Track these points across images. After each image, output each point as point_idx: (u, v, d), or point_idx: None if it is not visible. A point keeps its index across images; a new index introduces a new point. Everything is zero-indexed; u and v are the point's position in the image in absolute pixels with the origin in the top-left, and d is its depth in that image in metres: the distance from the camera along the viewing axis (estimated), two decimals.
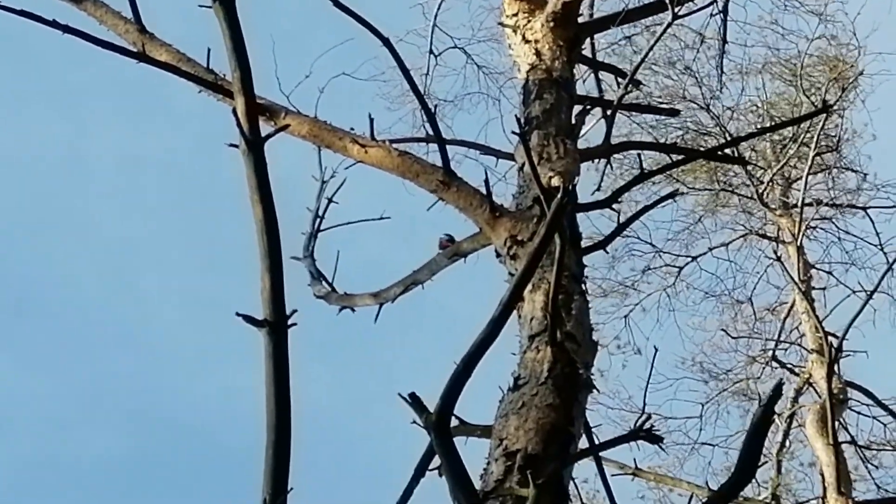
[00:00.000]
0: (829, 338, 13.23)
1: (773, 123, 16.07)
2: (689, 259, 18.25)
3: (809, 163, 15.78)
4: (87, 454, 22.08)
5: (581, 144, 7.93)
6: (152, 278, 22.12)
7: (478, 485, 4.85)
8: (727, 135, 15.64)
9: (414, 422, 4.62)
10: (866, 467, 16.07)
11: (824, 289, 17.52)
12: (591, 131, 9.75)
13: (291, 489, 3.73)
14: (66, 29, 7.11)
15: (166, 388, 21.54)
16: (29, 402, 22.56)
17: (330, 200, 8.16)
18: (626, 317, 17.49)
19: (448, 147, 7.19)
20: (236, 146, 4.05)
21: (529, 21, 8.50)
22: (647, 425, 5.20)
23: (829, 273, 17.75)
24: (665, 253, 18.11)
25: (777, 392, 4.30)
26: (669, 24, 8.57)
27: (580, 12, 8.71)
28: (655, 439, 5.20)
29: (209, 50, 7.53)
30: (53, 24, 7.05)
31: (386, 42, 7.30)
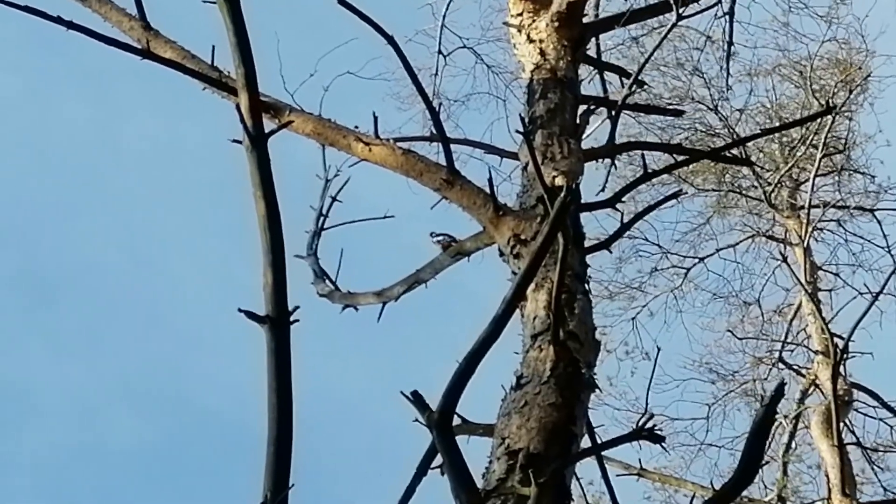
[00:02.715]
0: (836, 339, 13.21)
1: (779, 124, 16.04)
2: (697, 260, 18.23)
3: (817, 165, 15.77)
4: (117, 441, 22.18)
5: (585, 144, 7.92)
6: (184, 265, 22.18)
7: (479, 483, 4.84)
8: (734, 136, 15.61)
9: (416, 420, 4.62)
10: (872, 469, 16.05)
11: (831, 290, 17.51)
12: (596, 131, 9.75)
13: (293, 486, 3.73)
14: (71, 25, 7.13)
15: (197, 375, 21.59)
16: (60, 389, 22.67)
17: (334, 199, 8.15)
18: (633, 319, 17.48)
19: (452, 146, 7.19)
20: (240, 142, 4.05)
21: (534, 21, 8.49)
22: (649, 425, 5.19)
23: (836, 275, 17.74)
24: (672, 254, 18.10)
25: (779, 392, 4.29)
26: (674, 25, 8.57)
27: (585, 12, 8.71)
28: (657, 439, 5.18)
29: (214, 47, 7.55)
30: (58, 20, 7.06)
31: (391, 41, 7.30)
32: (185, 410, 21.63)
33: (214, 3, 4.07)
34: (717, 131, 17.10)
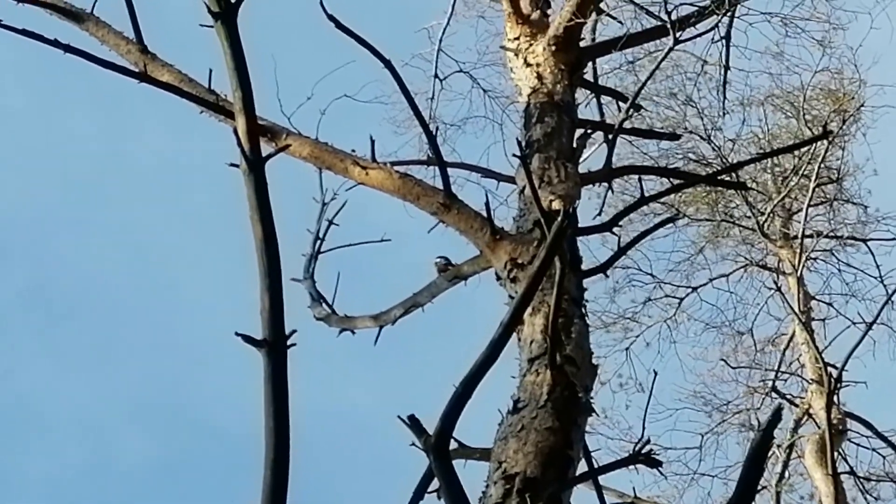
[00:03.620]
0: (829, 368, 13.19)
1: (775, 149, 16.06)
2: (690, 290, 18.22)
3: (810, 194, 15.79)
4: (125, 458, 22.15)
5: (582, 168, 7.92)
6: (192, 282, 22.14)
7: None
8: (728, 164, 15.62)
9: (413, 444, 4.59)
10: (865, 499, 16.01)
11: (824, 320, 17.50)
12: (593, 156, 9.75)
13: None
14: (68, 49, 7.13)
15: (205, 393, 21.51)
16: (68, 407, 22.64)
17: (331, 222, 8.14)
18: (627, 349, 17.45)
19: (449, 170, 7.19)
20: (237, 166, 4.03)
21: (531, 45, 8.51)
22: (646, 450, 5.17)
23: (830, 304, 17.73)
24: (666, 283, 18.08)
25: (776, 417, 4.27)
26: (671, 49, 8.59)
27: (582, 36, 8.72)
28: (655, 463, 5.17)
29: (211, 70, 7.55)
30: (55, 43, 7.07)
31: (388, 64, 7.31)
32: (193, 428, 21.60)
33: (212, 26, 4.06)
34: (710, 161, 17.12)
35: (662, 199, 12.59)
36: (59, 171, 22.20)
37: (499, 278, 6.64)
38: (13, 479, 20.97)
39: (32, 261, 23.10)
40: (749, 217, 17.42)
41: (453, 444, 5.38)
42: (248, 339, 3.86)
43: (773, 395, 16.82)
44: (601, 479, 6.99)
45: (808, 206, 15.88)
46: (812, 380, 15.51)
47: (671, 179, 8.38)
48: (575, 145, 7.84)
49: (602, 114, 9.88)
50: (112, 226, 22.56)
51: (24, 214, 22.32)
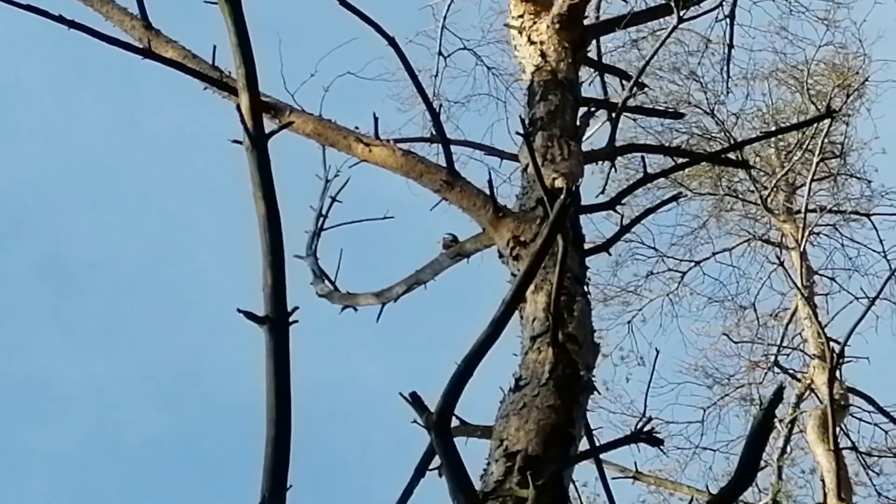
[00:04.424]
0: (831, 344, 13.22)
1: (778, 128, 16.04)
2: (693, 264, 18.24)
3: (813, 169, 15.77)
4: (136, 433, 22.23)
5: (585, 146, 7.92)
6: (204, 256, 22.15)
7: (478, 485, 4.84)
8: (732, 140, 15.62)
9: (415, 421, 4.61)
10: (867, 474, 16.05)
11: (827, 295, 17.54)
12: (596, 134, 9.75)
13: (290, 487, 3.72)
14: (72, 24, 7.13)
15: (217, 368, 21.56)
16: (79, 381, 22.71)
17: (333, 199, 8.15)
18: (629, 323, 17.48)
19: (453, 147, 7.19)
20: (240, 142, 4.04)
21: (535, 22, 8.50)
22: (647, 428, 5.20)
23: (832, 279, 17.76)
24: (668, 258, 18.10)
25: (778, 395, 4.28)
26: (675, 27, 8.57)
27: (586, 14, 8.71)
28: (656, 441, 5.19)
29: (215, 47, 7.56)
30: (59, 19, 7.06)
31: (391, 41, 7.30)
32: (205, 403, 21.67)
33: (215, 2, 4.06)
34: (714, 135, 17.10)
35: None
36: (72, 145, 22.21)
37: (501, 256, 6.65)
38: (24, 451, 21.09)
39: (45, 235, 23.17)
40: (752, 191, 17.43)
41: (455, 422, 5.41)
42: (250, 316, 3.87)
43: (776, 369, 16.86)
44: (602, 455, 7.02)
45: (812, 180, 15.87)
46: (814, 355, 15.54)
47: (675, 158, 8.38)
48: (578, 123, 7.84)
49: (606, 92, 9.86)
50: (125, 200, 22.58)
51: (38, 189, 22.38)
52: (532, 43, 8.35)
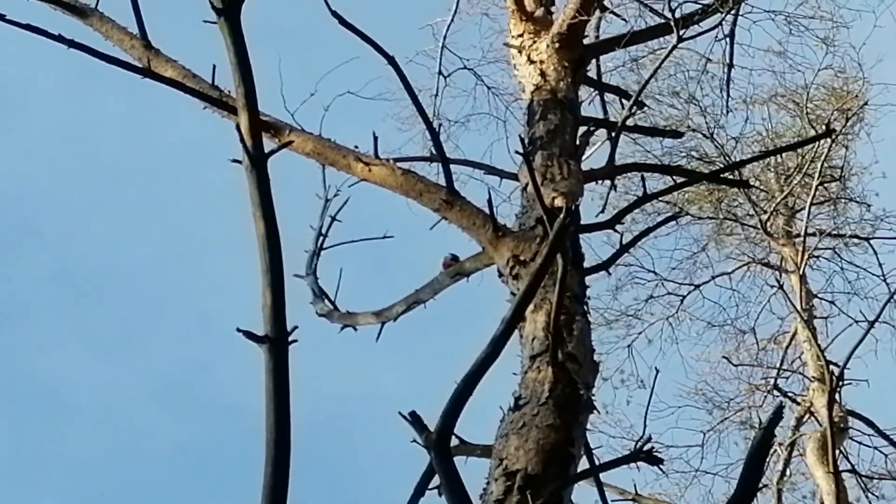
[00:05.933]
0: (831, 367, 13.19)
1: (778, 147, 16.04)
2: (693, 287, 18.20)
3: (813, 192, 15.77)
4: (151, 441, 22.14)
5: (585, 166, 7.93)
6: (221, 264, 22.11)
7: None
8: (731, 162, 15.60)
9: (414, 441, 4.59)
10: (867, 497, 15.99)
11: (827, 318, 17.49)
12: (596, 153, 9.75)
13: None
14: (72, 44, 7.13)
15: (231, 375, 21.50)
16: (94, 389, 22.65)
17: (333, 219, 8.15)
18: (629, 346, 17.44)
19: (452, 167, 7.20)
20: (239, 162, 4.04)
21: (535, 42, 8.51)
22: (647, 447, 5.17)
23: (832, 303, 17.71)
24: (668, 281, 18.07)
25: (777, 415, 4.28)
26: (674, 47, 8.59)
27: (585, 34, 8.72)
28: (656, 461, 5.17)
29: (214, 66, 7.56)
30: (59, 38, 7.06)
31: (391, 61, 7.31)
32: (219, 411, 21.58)
33: (215, 22, 4.06)
34: (713, 159, 17.09)
35: (665, 197, 12.60)
36: (89, 152, 22.18)
37: (501, 275, 6.64)
38: (40, 460, 21.05)
39: (61, 242, 23.14)
40: (752, 215, 17.41)
41: (454, 441, 5.39)
42: (249, 335, 3.86)
43: (775, 392, 16.81)
44: (602, 476, 7.00)
45: (811, 204, 15.87)
46: (814, 378, 15.49)
47: (674, 177, 8.37)
48: (578, 142, 7.85)
49: (605, 111, 9.87)
50: (141, 207, 22.55)
51: (54, 197, 22.36)
52: (532, 62, 8.36)
